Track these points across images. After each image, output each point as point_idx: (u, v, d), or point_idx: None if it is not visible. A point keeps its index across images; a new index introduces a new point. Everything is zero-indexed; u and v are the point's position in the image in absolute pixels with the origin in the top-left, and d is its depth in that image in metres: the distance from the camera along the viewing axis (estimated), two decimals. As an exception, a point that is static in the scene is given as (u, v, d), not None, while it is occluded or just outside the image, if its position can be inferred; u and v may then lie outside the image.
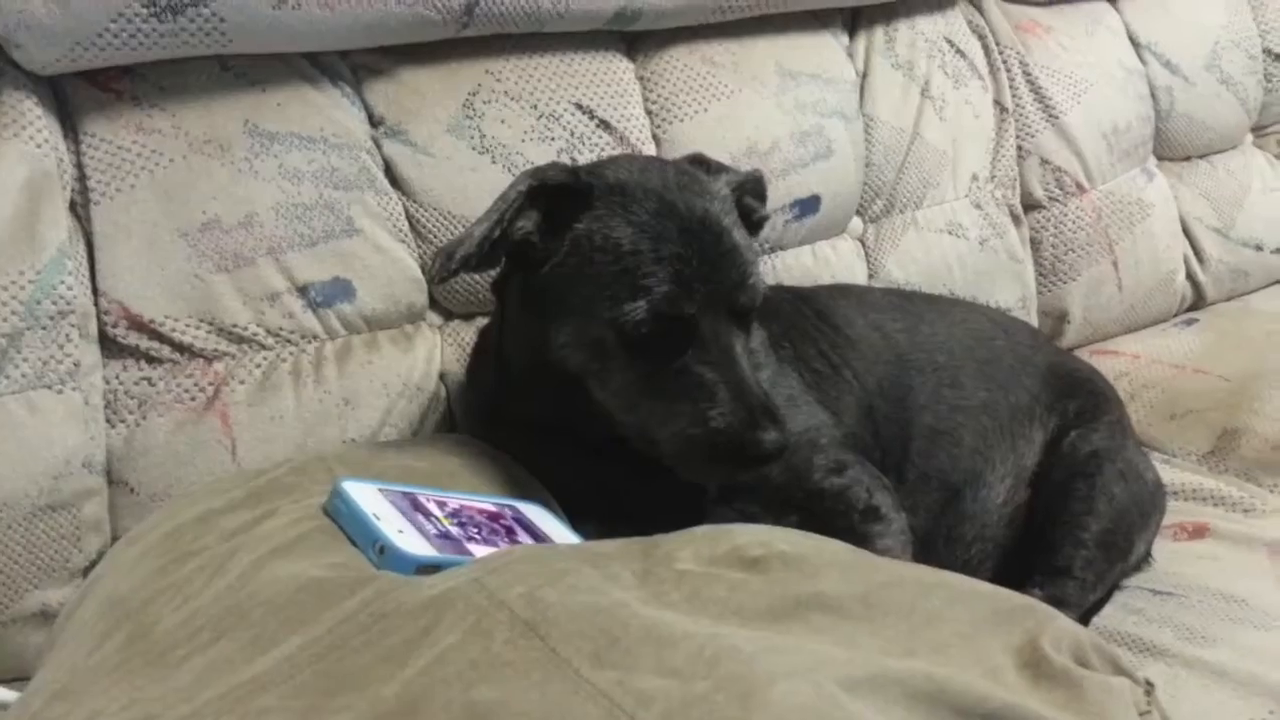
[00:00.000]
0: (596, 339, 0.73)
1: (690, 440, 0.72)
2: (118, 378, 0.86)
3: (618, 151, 1.03)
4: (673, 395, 0.73)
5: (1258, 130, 1.52)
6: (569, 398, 0.76)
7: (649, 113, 1.07)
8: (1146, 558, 0.96)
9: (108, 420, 0.86)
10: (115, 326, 0.86)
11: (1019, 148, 1.29)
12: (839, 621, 0.58)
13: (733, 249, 0.75)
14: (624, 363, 0.73)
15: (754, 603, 0.59)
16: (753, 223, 0.84)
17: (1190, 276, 1.41)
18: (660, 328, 0.72)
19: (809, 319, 0.91)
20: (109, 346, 0.86)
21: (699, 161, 0.83)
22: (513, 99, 1.00)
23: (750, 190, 0.84)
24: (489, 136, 0.99)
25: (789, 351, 0.86)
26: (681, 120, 1.07)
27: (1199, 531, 1.01)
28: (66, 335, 0.83)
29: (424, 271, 0.95)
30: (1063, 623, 0.62)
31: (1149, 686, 0.62)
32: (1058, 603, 0.76)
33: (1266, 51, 1.48)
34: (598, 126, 1.03)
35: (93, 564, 0.84)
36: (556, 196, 0.75)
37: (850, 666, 0.53)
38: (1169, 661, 0.84)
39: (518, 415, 0.83)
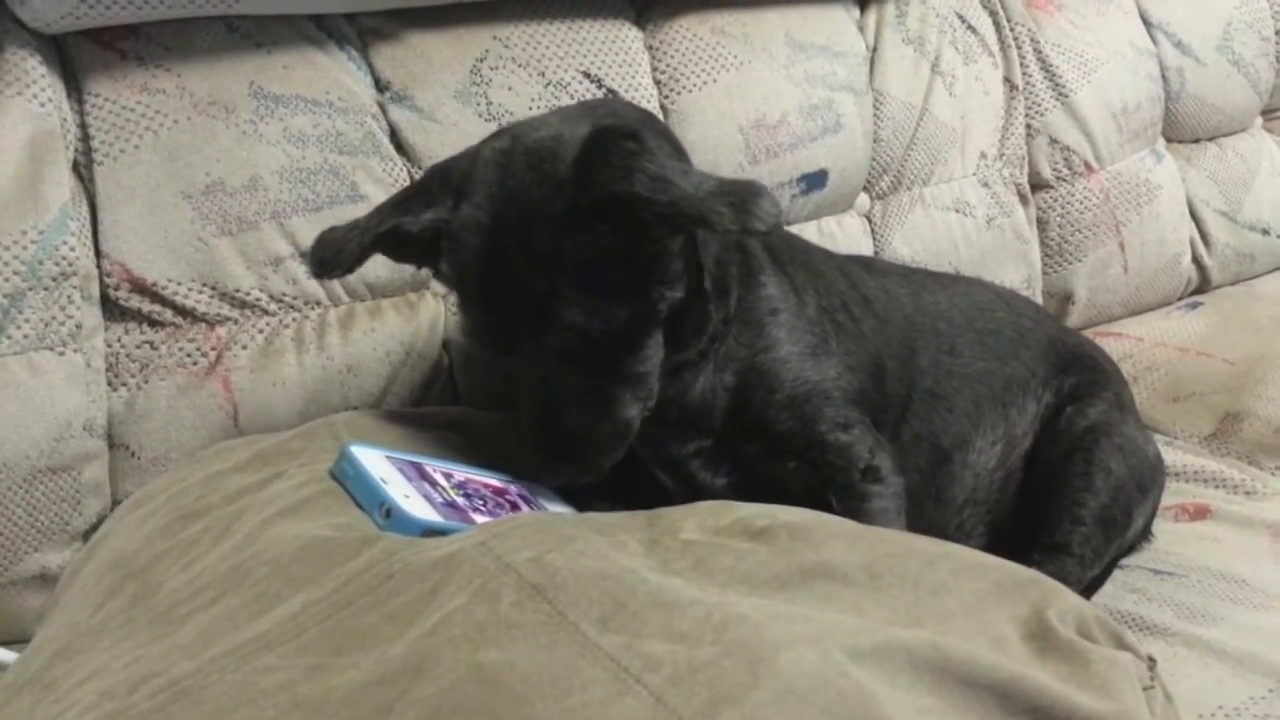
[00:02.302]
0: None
1: None
2: (119, 340, 0.86)
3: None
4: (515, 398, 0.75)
5: (1268, 113, 1.51)
6: None
7: (657, 82, 1.06)
8: (1146, 534, 0.96)
9: (109, 383, 0.85)
10: (117, 289, 0.85)
11: (1028, 126, 1.28)
12: (845, 591, 0.58)
13: (517, 288, 0.69)
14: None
15: (760, 571, 0.58)
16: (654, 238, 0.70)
17: (1196, 259, 1.41)
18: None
19: (835, 271, 0.90)
20: (111, 309, 0.86)
21: (595, 139, 0.69)
22: (520, 65, 0.99)
23: (640, 202, 0.66)
24: (496, 104, 0.98)
25: (814, 299, 0.84)
26: (690, 90, 1.06)
27: (1200, 513, 1.01)
28: (68, 297, 0.82)
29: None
30: (1068, 596, 0.62)
31: (1151, 662, 0.62)
32: (1057, 580, 0.76)
33: (1279, 33, 1.47)
34: (605, 95, 1.02)
35: (93, 528, 0.84)
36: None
37: (857, 635, 0.53)
38: (1169, 640, 0.84)
39: None
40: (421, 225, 0.73)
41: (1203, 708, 0.76)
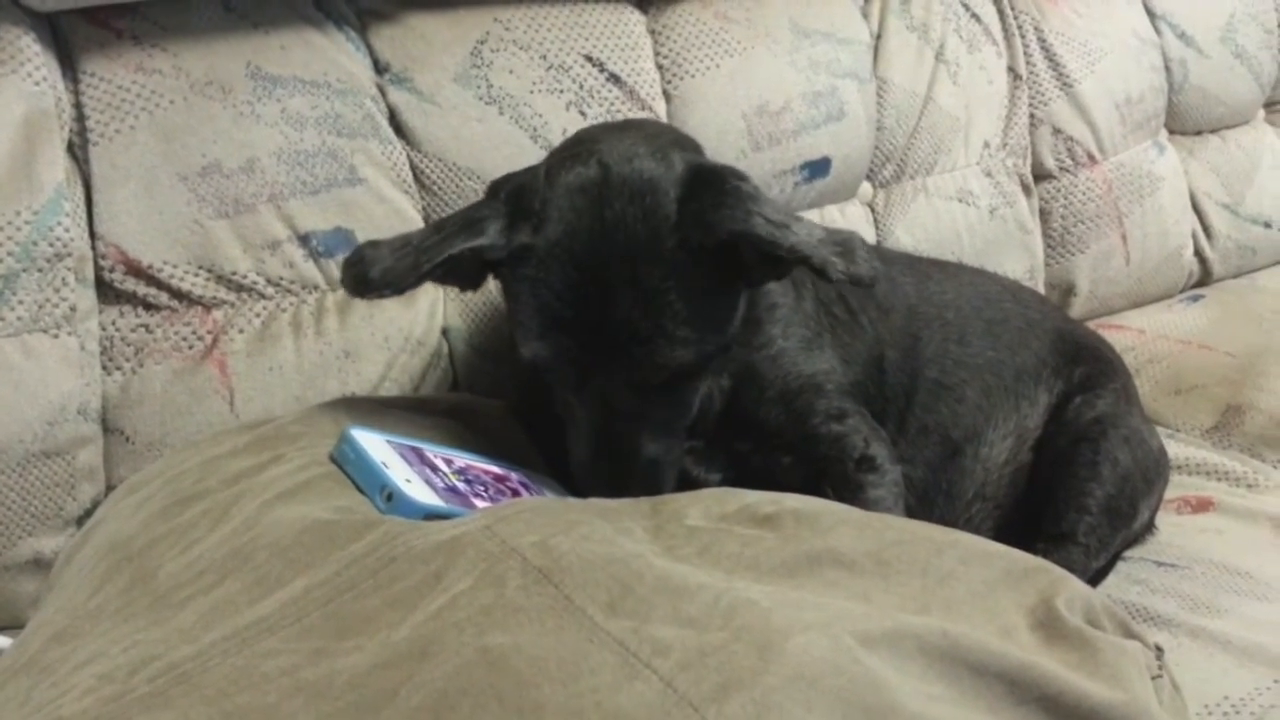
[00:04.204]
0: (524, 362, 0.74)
1: (572, 469, 0.74)
2: (114, 324, 0.85)
3: (627, 108, 1.01)
4: (569, 426, 0.74)
5: (1270, 106, 1.51)
6: None
7: (660, 67, 1.05)
8: (1150, 526, 0.96)
9: (104, 367, 0.84)
10: (112, 271, 0.84)
11: (1031, 116, 1.27)
12: (853, 578, 0.58)
13: (623, 323, 0.68)
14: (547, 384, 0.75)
15: (767, 558, 0.58)
16: (757, 271, 0.73)
17: (1198, 252, 1.40)
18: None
19: None
20: (106, 291, 0.84)
21: (701, 178, 0.72)
22: (521, 48, 0.98)
23: (747, 243, 0.69)
24: (496, 86, 0.97)
25: (811, 291, 0.84)
26: (693, 76, 1.05)
27: (1203, 505, 1.01)
28: (63, 279, 0.81)
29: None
30: (1075, 584, 0.61)
31: (1159, 651, 0.62)
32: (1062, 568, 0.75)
33: (1282, 25, 1.47)
34: (608, 80, 1.01)
35: (87, 513, 0.83)
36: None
37: (867, 621, 0.53)
38: (1173, 631, 0.84)
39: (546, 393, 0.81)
40: (506, 249, 0.70)
41: (1208, 698, 0.76)
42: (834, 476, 0.80)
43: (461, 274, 0.75)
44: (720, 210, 0.69)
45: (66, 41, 0.85)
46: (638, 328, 0.69)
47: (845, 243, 0.70)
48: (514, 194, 0.72)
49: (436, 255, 0.69)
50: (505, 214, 0.71)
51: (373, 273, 0.69)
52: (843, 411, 0.81)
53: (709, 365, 0.74)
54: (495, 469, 0.74)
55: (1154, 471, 0.94)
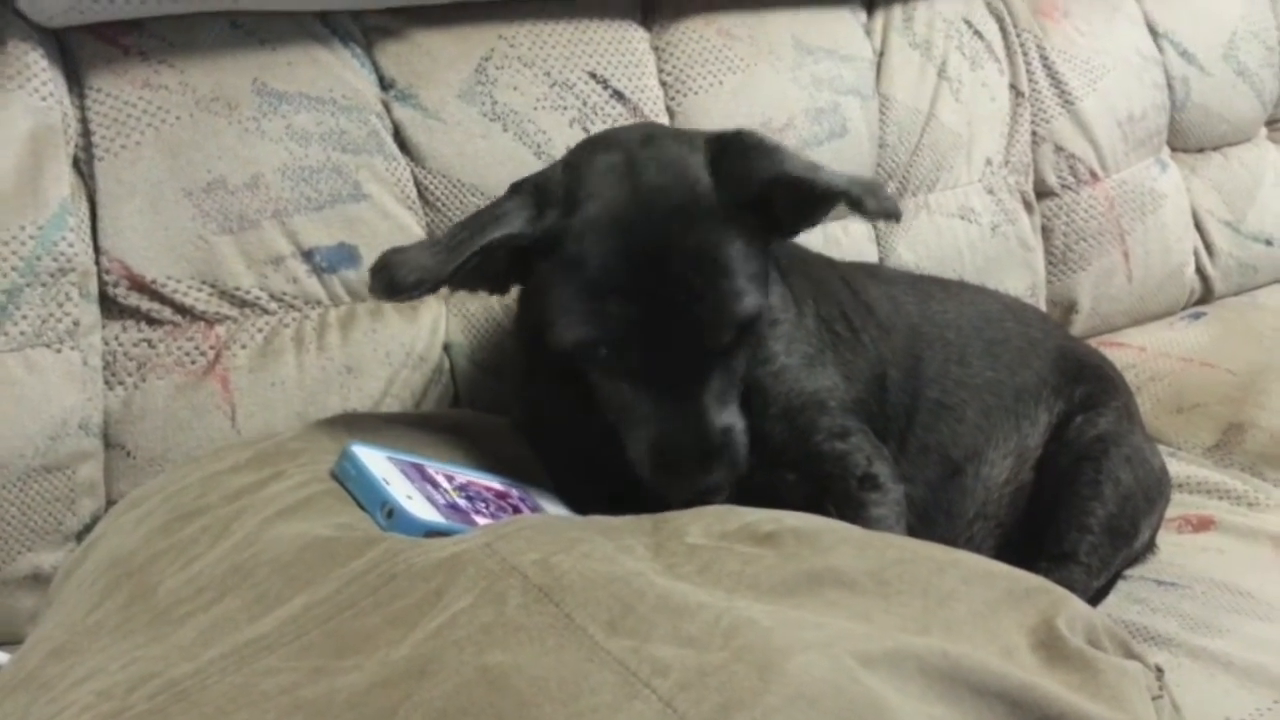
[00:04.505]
0: (567, 351, 0.72)
1: (637, 463, 0.73)
2: (117, 339, 0.85)
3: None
4: (625, 416, 0.73)
5: (1272, 123, 1.51)
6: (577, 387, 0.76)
7: (663, 84, 1.06)
8: (1151, 545, 0.96)
9: (106, 382, 0.84)
10: (116, 286, 0.84)
11: (1034, 133, 1.27)
12: (853, 597, 0.57)
13: (680, 283, 0.68)
14: (595, 376, 0.74)
15: (768, 576, 0.58)
16: (792, 224, 0.75)
17: (1200, 270, 1.41)
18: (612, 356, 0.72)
19: (835, 280, 0.90)
20: (109, 306, 0.85)
21: (722, 143, 0.73)
22: (526, 65, 0.99)
23: (781, 189, 0.72)
24: (500, 103, 0.97)
25: (812, 308, 0.84)
26: (696, 93, 1.06)
27: (1204, 524, 1.01)
28: (66, 293, 0.82)
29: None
30: (1077, 604, 0.61)
31: (1159, 671, 0.62)
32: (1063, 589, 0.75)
33: (1284, 43, 1.47)
34: (611, 97, 1.02)
35: (87, 528, 0.83)
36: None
37: (867, 641, 0.52)
38: (1173, 650, 0.83)
39: (554, 408, 0.80)
40: (536, 236, 0.70)
41: (1209, 719, 0.76)
42: (836, 494, 0.79)
43: (490, 272, 0.74)
44: (751, 163, 0.72)
45: (73, 57, 0.86)
46: (693, 284, 0.69)
47: (870, 183, 0.74)
48: (536, 187, 0.73)
49: (470, 247, 0.69)
50: (531, 204, 0.72)
51: (404, 272, 0.69)
52: (846, 429, 0.81)
53: (764, 318, 0.75)
54: (496, 485, 0.74)
55: (1155, 490, 0.94)
